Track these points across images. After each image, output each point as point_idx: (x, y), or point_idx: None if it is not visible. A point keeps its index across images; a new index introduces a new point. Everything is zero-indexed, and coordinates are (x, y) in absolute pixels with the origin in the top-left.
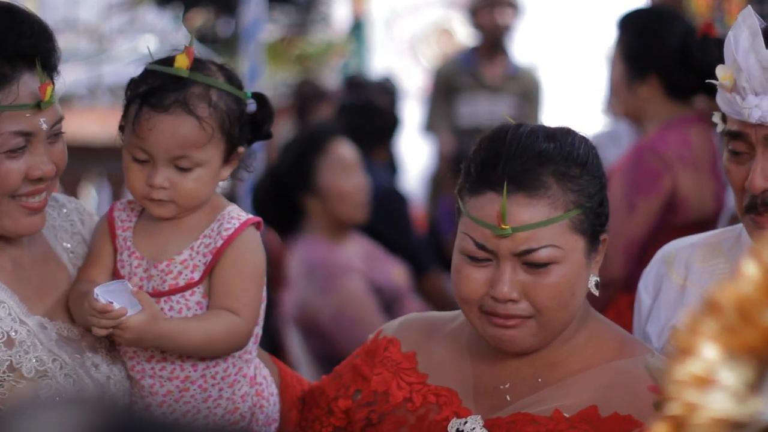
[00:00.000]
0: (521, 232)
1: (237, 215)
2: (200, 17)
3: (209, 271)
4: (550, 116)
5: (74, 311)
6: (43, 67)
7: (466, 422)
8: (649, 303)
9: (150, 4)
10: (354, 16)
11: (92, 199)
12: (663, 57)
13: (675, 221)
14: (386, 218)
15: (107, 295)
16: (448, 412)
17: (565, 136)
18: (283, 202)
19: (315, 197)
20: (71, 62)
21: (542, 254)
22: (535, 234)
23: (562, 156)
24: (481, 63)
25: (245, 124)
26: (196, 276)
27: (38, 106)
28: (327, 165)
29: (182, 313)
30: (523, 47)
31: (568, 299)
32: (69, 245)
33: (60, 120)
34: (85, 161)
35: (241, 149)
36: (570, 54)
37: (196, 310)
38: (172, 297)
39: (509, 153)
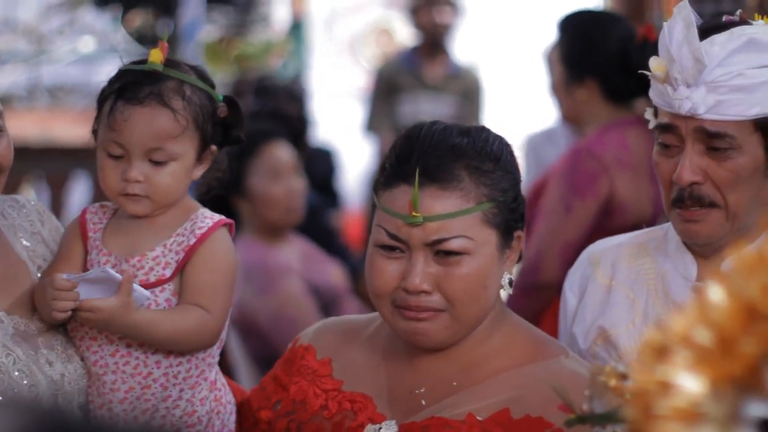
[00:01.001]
0: (433, 222)
1: (210, 215)
2: (139, 18)
3: (180, 269)
4: (491, 115)
5: (38, 304)
6: None
7: (380, 428)
8: (575, 303)
9: (89, 5)
10: (293, 17)
11: None
12: (601, 61)
13: (612, 224)
14: (310, 233)
15: (78, 279)
16: (363, 419)
17: (479, 132)
18: (220, 203)
19: (245, 200)
20: (10, 63)
21: (453, 244)
22: (447, 224)
23: (476, 150)
24: (422, 63)
25: (217, 123)
26: (168, 273)
27: None
28: (258, 169)
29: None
30: (465, 47)
31: (479, 292)
32: (28, 244)
33: None
34: (24, 163)
35: (213, 147)
36: (511, 53)
37: (164, 307)
38: None
39: (422, 147)
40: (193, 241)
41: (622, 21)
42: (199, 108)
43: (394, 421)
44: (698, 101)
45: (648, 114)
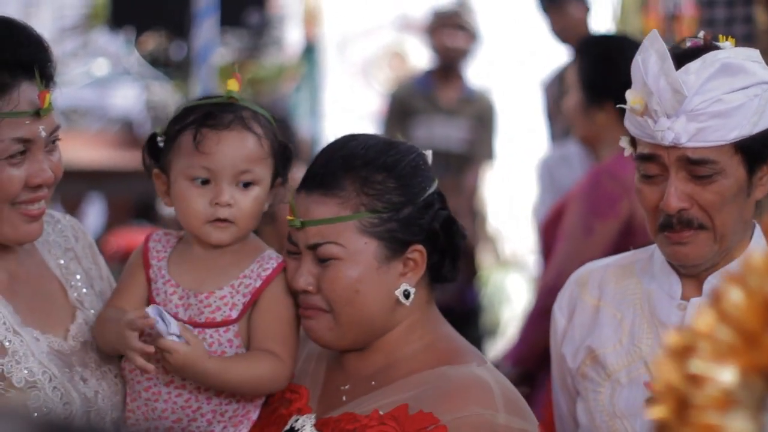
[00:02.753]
0: (311, 226)
1: (275, 257)
2: (153, 41)
3: (246, 311)
4: (505, 140)
5: (103, 337)
6: (41, 76)
7: (298, 420)
8: (564, 324)
9: (103, 28)
10: (306, 40)
11: None
12: (620, 86)
13: (632, 246)
14: None
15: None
16: (294, 409)
17: (386, 146)
18: None
19: (268, 223)
20: None
21: (325, 250)
22: (323, 230)
23: (366, 161)
24: (436, 86)
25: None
26: (234, 314)
27: (37, 113)
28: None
29: (213, 347)
30: (480, 71)
31: (352, 296)
32: (62, 261)
33: (57, 128)
34: None
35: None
36: (526, 79)
37: (226, 347)
38: (206, 330)
39: (322, 155)
40: (259, 283)
41: (639, 45)
42: (273, 136)
43: (313, 415)
44: (680, 131)
45: (623, 142)
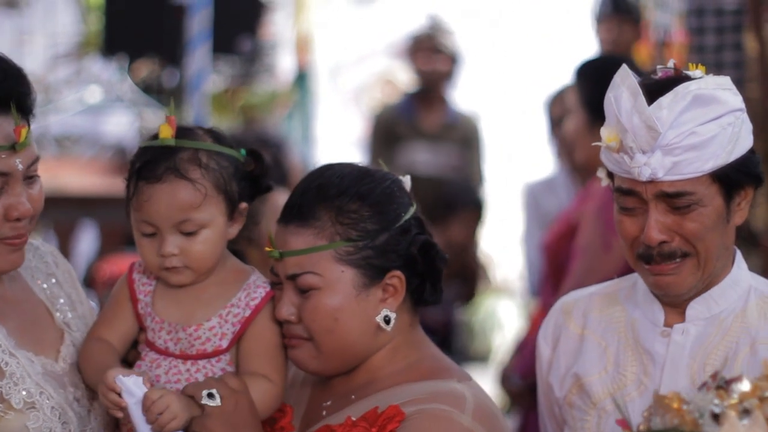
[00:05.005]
0: (289, 257)
1: (263, 284)
2: (145, 68)
3: (236, 340)
4: (493, 164)
5: (86, 372)
6: (18, 110)
7: None
8: (548, 353)
9: (95, 55)
10: (298, 67)
11: None
12: None
13: None
14: None
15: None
16: (278, 427)
17: (361, 174)
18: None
19: (254, 247)
20: None
21: (304, 280)
22: (300, 260)
23: (340, 190)
24: (419, 111)
25: (243, 180)
26: (224, 344)
27: (13, 147)
28: (266, 216)
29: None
30: (467, 96)
31: (331, 324)
32: (45, 285)
33: (35, 161)
34: None
35: (243, 205)
36: (514, 103)
37: (219, 375)
38: (199, 361)
39: (299, 186)
40: (248, 313)
41: (636, 66)
42: (218, 172)
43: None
44: (657, 166)
45: (600, 173)
